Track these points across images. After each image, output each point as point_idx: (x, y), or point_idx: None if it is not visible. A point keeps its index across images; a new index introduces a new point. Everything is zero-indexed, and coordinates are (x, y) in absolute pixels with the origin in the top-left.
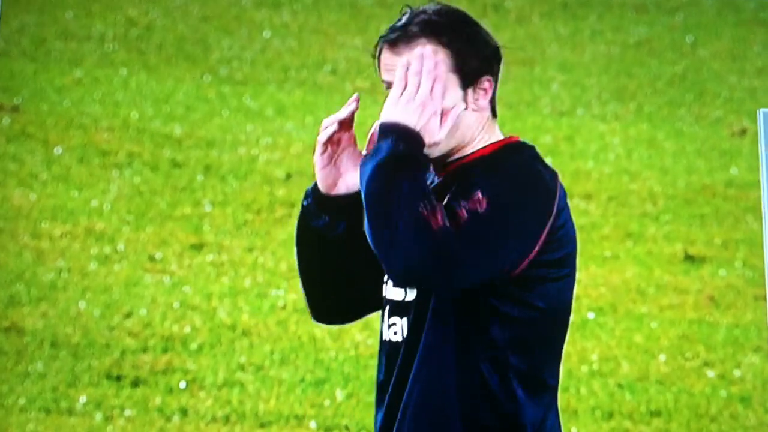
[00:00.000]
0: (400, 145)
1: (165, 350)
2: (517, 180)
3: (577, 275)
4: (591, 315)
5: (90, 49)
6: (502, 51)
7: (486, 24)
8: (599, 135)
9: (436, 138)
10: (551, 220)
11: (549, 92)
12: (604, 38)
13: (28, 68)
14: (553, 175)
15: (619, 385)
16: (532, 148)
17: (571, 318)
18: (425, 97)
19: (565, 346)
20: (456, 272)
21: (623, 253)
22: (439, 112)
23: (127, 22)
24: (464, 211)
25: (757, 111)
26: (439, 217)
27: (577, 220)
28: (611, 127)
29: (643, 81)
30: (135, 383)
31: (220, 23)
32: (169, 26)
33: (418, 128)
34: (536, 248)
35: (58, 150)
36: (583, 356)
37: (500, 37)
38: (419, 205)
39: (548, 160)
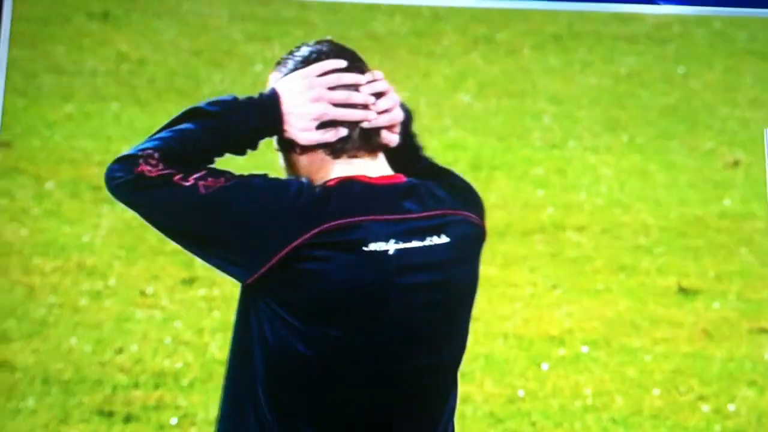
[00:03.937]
0: (252, 115)
1: (156, 386)
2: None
3: (571, 309)
4: (584, 349)
5: (81, 84)
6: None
7: (476, 56)
8: (591, 167)
9: (298, 138)
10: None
11: (540, 124)
12: (595, 70)
13: (19, 103)
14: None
15: (613, 420)
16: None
17: (564, 352)
18: (326, 99)
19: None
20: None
21: (616, 285)
22: (316, 119)
23: (118, 57)
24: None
25: (765, 130)
26: (148, 168)
27: (570, 252)
28: (603, 159)
29: (634, 112)
30: (127, 419)
31: (211, 57)
32: (160, 60)
33: (290, 112)
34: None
35: (49, 185)
36: (577, 391)
37: (491, 70)
38: (153, 144)
39: (540, 193)
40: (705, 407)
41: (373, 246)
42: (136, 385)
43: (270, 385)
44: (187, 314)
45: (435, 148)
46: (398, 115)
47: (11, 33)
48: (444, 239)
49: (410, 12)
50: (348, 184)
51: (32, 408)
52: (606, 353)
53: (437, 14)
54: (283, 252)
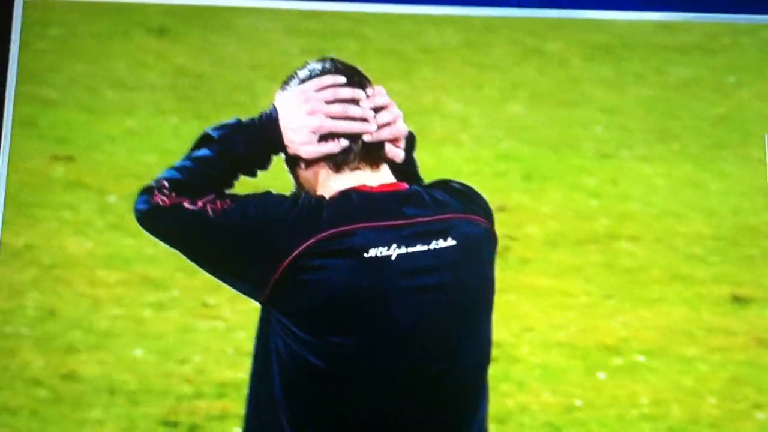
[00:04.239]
0: (253, 134)
1: (220, 396)
2: None
3: (626, 318)
4: (640, 358)
5: (142, 98)
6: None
7: (528, 67)
8: (644, 177)
9: (300, 152)
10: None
11: (592, 134)
12: (647, 80)
13: (82, 118)
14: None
15: (670, 429)
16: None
17: (620, 361)
18: (325, 113)
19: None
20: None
21: (671, 295)
22: (319, 132)
23: (178, 72)
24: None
25: None
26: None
27: (624, 262)
28: (656, 168)
29: (686, 122)
30: (191, 429)
31: (268, 71)
32: (219, 75)
33: (291, 126)
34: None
35: (112, 198)
36: (633, 400)
37: (542, 80)
38: (167, 178)
39: (594, 203)
40: (760, 415)
41: (374, 252)
42: (199, 395)
43: (286, 399)
44: (248, 325)
45: (487, 159)
46: (401, 129)
47: (74, 49)
48: (450, 242)
49: (462, 24)
50: (346, 193)
51: (98, 418)
52: (662, 362)
53: (488, 26)
54: (284, 264)
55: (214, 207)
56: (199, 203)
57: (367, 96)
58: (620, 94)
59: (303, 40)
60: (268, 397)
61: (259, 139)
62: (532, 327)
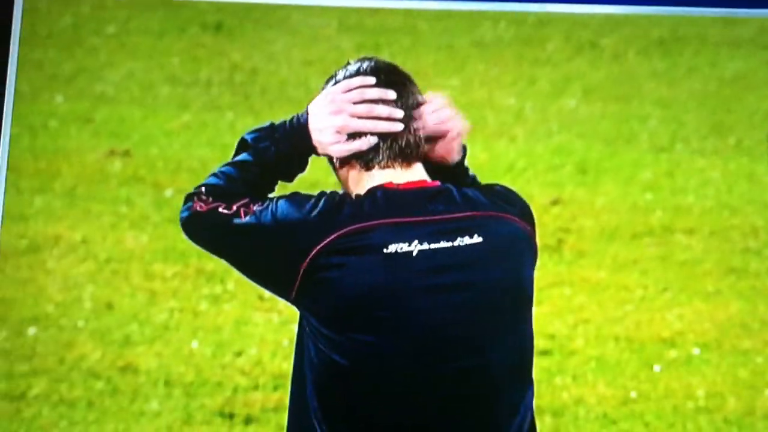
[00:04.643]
0: (284, 138)
1: (275, 388)
2: None
3: (682, 311)
4: (696, 351)
5: (196, 94)
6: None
7: (582, 61)
8: (699, 170)
9: (329, 152)
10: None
11: (647, 128)
12: (701, 74)
13: (137, 113)
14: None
15: (726, 421)
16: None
17: (675, 354)
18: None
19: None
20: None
21: (726, 288)
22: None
23: (232, 67)
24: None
25: None
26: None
27: (680, 255)
28: (710, 161)
29: (740, 115)
30: (247, 421)
31: (322, 67)
32: (273, 70)
33: (324, 126)
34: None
35: (168, 192)
36: (689, 392)
37: (596, 75)
38: (208, 183)
39: (648, 196)
40: None
41: (394, 248)
42: (255, 387)
43: (318, 399)
44: None
45: (541, 153)
46: (451, 127)
47: (128, 45)
48: (476, 239)
49: (515, 18)
50: (371, 191)
51: (155, 410)
52: (718, 355)
53: (542, 20)
54: (305, 263)
55: (246, 210)
56: (234, 207)
57: (404, 95)
58: (674, 87)
59: (356, 35)
60: (303, 402)
61: (290, 142)
62: (588, 320)
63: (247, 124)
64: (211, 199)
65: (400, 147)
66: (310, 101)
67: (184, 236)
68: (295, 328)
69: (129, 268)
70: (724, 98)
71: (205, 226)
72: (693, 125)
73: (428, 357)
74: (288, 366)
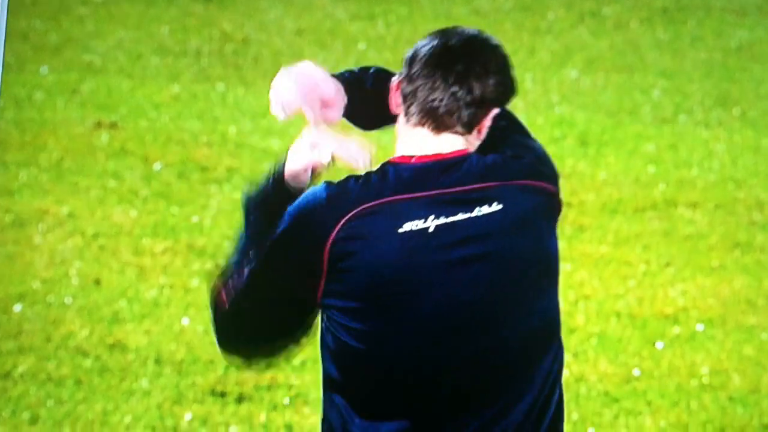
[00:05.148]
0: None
1: (268, 366)
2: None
3: (686, 287)
4: (700, 327)
5: (186, 65)
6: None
7: (583, 31)
8: (703, 142)
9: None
10: (324, 251)
11: (650, 99)
12: (705, 43)
13: (126, 84)
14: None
15: (731, 399)
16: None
17: (679, 330)
18: None
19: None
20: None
21: (731, 263)
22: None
23: (223, 37)
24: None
25: None
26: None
27: (683, 229)
28: (715, 133)
29: (746, 86)
30: (239, 400)
31: (315, 36)
32: (265, 40)
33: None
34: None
35: (157, 166)
36: (693, 370)
37: (598, 45)
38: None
39: (651, 169)
40: None
41: (409, 226)
42: (248, 365)
43: (341, 392)
44: None
45: (542, 125)
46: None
47: (117, 15)
48: (495, 207)
49: None
50: (383, 167)
51: (145, 389)
52: (722, 331)
53: None
54: (325, 255)
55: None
56: (244, 270)
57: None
58: (678, 58)
59: (351, 4)
60: (326, 389)
61: (270, 189)
62: (589, 296)
63: (238, 96)
64: (227, 284)
65: (432, 107)
66: None
67: (174, 211)
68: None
69: (117, 244)
70: (729, 68)
71: (238, 311)
72: (697, 96)
73: (446, 333)
74: None
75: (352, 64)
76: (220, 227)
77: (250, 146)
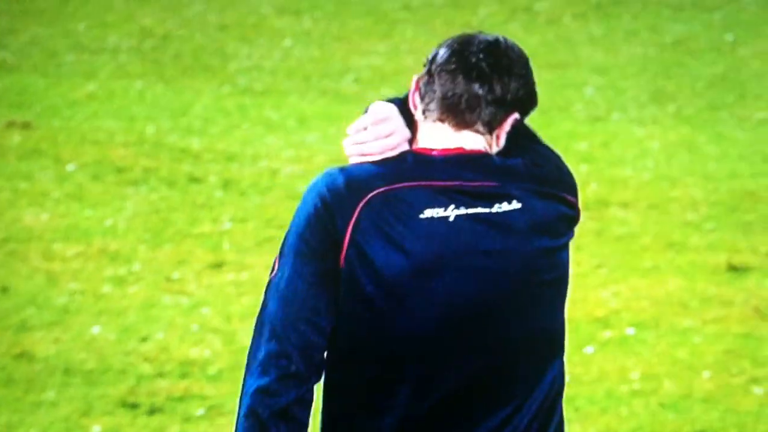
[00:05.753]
0: None
1: (183, 376)
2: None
3: (618, 288)
4: (631, 330)
5: (104, 62)
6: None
7: (516, 27)
8: (637, 140)
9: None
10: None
11: (583, 96)
12: (640, 38)
13: (40, 83)
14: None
15: (662, 405)
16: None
17: (610, 334)
18: None
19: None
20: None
21: (665, 263)
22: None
23: (142, 33)
24: None
25: None
26: None
27: (616, 229)
28: (649, 131)
29: (681, 82)
30: (151, 411)
31: (239, 32)
32: (186, 36)
33: None
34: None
35: (71, 167)
36: (623, 375)
37: (530, 40)
38: None
39: (583, 168)
40: (757, 390)
41: (430, 213)
42: (161, 375)
43: (343, 372)
44: (215, 300)
45: None
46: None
47: (31, 10)
48: (515, 205)
49: None
50: (402, 154)
51: (53, 400)
52: (654, 335)
53: None
54: (346, 240)
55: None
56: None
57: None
58: (612, 53)
59: None
60: (331, 388)
61: None
62: None
63: (157, 93)
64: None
65: (453, 103)
66: (225, 68)
67: (87, 214)
68: (206, 311)
69: (27, 248)
70: (665, 64)
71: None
72: (631, 93)
73: (454, 322)
74: (198, 352)
75: (277, 61)
76: (135, 231)
77: (169, 146)
